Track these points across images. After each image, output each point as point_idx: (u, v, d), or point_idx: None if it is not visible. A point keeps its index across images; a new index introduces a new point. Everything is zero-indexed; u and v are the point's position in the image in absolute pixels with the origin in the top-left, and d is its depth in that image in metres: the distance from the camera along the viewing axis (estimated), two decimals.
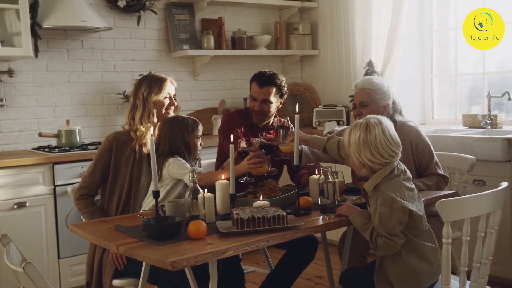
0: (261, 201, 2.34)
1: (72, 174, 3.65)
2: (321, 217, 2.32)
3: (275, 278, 3.05)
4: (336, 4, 5.09)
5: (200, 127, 2.79)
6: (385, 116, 2.76)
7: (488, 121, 4.00)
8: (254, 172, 2.61)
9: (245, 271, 3.12)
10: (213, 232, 2.12)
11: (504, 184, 2.27)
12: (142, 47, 4.56)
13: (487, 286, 2.29)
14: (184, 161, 2.67)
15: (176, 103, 2.90)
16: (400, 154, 2.26)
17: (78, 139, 3.95)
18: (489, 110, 4.02)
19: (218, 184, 2.43)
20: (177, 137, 2.70)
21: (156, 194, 2.23)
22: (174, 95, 2.89)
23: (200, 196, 2.22)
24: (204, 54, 4.68)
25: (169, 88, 2.84)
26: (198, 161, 2.84)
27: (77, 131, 3.96)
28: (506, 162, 3.42)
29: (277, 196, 2.53)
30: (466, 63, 4.61)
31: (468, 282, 2.18)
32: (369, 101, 2.85)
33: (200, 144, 2.79)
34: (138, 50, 4.54)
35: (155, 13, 4.54)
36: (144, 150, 2.74)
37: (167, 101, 2.84)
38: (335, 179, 2.38)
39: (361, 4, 4.79)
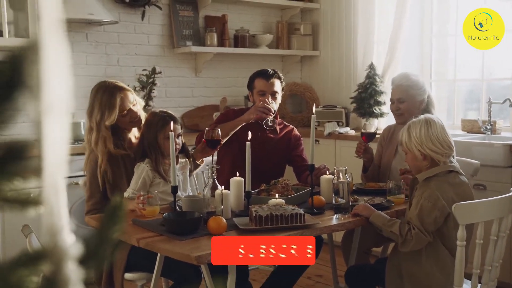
0: (277, 199, 2.36)
1: (76, 167, 3.62)
2: (335, 216, 2.35)
3: (279, 276, 3.07)
4: (338, 5, 5.12)
5: (174, 125, 2.48)
6: (421, 109, 2.83)
7: (488, 127, 4.06)
8: (145, 213, 2.35)
9: (249, 268, 3.13)
10: (230, 229, 2.14)
11: None
12: (145, 42, 4.55)
13: None
14: (140, 174, 2.54)
15: (138, 114, 2.68)
16: (453, 153, 2.35)
17: (82, 132, 3.93)
18: (489, 116, 4.08)
19: (233, 181, 2.46)
20: (145, 138, 2.58)
21: (174, 189, 2.24)
22: (134, 100, 2.68)
23: (218, 192, 2.24)
24: (207, 51, 4.69)
25: (123, 104, 2.62)
26: (193, 161, 2.80)
27: (82, 124, 3.94)
28: (507, 168, 3.48)
29: (290, 195, 2.56)
30: (463, 68, 4.68)
31: (478, 285, 2.23)
32: (406, 97, 2.94)
33: (176, 143, 2.51)
34: (141, 45, 4.53)
35: (160, 8, 4.54)
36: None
37: (127, 118, 2.65)
38: (348, 180, 2.42)
39: (363, 6, 4.82)
